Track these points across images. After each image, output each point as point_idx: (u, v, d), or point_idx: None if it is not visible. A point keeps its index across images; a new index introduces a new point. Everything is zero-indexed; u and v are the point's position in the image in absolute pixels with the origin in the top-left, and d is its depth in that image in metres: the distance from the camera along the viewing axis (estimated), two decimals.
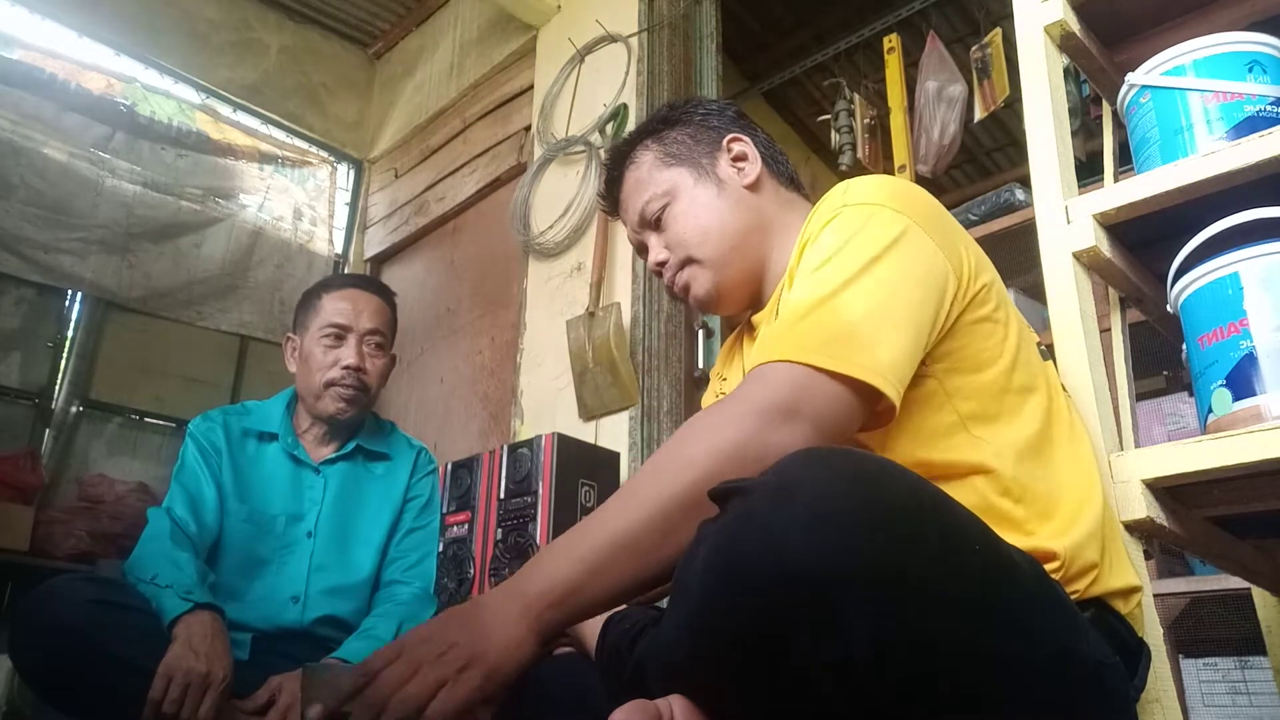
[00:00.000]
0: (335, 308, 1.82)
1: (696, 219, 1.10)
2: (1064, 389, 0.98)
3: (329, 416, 1.81)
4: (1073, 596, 0.83)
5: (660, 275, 1.14)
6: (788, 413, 0.77)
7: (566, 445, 2.13)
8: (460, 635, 0.74)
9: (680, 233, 1.10)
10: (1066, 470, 0.90)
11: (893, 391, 0.80)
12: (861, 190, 0.93)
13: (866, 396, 0.81)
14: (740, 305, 1.14)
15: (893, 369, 0.81)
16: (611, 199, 1.21)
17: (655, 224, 1.13)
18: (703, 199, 1.10)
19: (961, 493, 0.84)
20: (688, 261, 1.10)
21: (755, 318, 1.14)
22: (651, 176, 1.13)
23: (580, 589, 0.76)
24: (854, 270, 0.85)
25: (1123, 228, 1.07)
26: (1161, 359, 2.27)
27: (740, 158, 1.13)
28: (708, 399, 1.26)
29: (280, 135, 3.92)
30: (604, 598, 0.78)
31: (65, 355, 3.23)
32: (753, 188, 1.11)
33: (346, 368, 1.78)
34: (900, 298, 0.84)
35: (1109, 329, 1.17)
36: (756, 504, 0.61)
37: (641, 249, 1.18)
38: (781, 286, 1.04)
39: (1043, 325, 1.19)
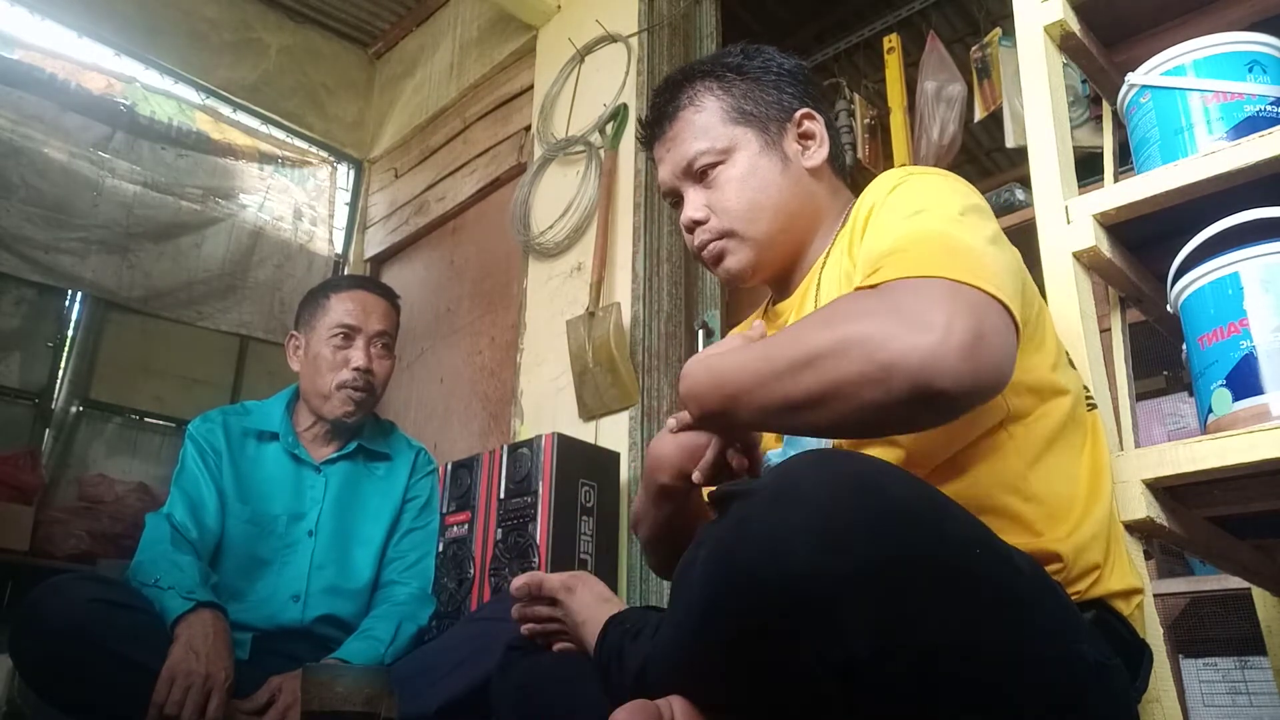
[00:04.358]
0: (344, 308, 1.82)
1: (753, 192, 1.03)
2: (1087, 390, 0.98)
3: (335, 418, 1.80)
4: (1074, 597, 0.83)
5: (690, 231, 1.07)
6: (924, 318, 0.70)
7: (566, 445, 2.13)
8: None
9: (729, 201, 1.03)
10: (1082, 472, 0.90)
11: (1021, 321, 0.76)
12: (922, 169, 0.93)
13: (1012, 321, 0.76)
14: (768, 278, 1.10)
15: (1019, 306, 0.77)
16: (654, 131, 1.11)
17: (700, 176, 1.05)
18: (763, 171, 1.03)
19: (974, 490, 0.84)
20: (729, 234, 1.04)
21: (780, 306, 1.10)
22: (712, 126, 1.05)
23: None
24: (952, 217, 0.82)
25: (1123, 228, 1.07)
26: (1161, 359, 2.27)
27: (808, 136, 1.06)
28: None
29: (280, 135, 3.93)
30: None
31: (65, 355, 3.23)
32: (814, 172, 1.06)
33: (356, 369, 1.78)
34: (1001, 242, 0.83)
35: (1109, 329, 1.17)
36: (757, 508, 0.61)
37: (672, 195, 1.10)
38: (815, 278, 1.02)
39: None
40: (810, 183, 1.06)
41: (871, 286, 0.77)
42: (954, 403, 0.70)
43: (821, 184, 1.07)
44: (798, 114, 1.07)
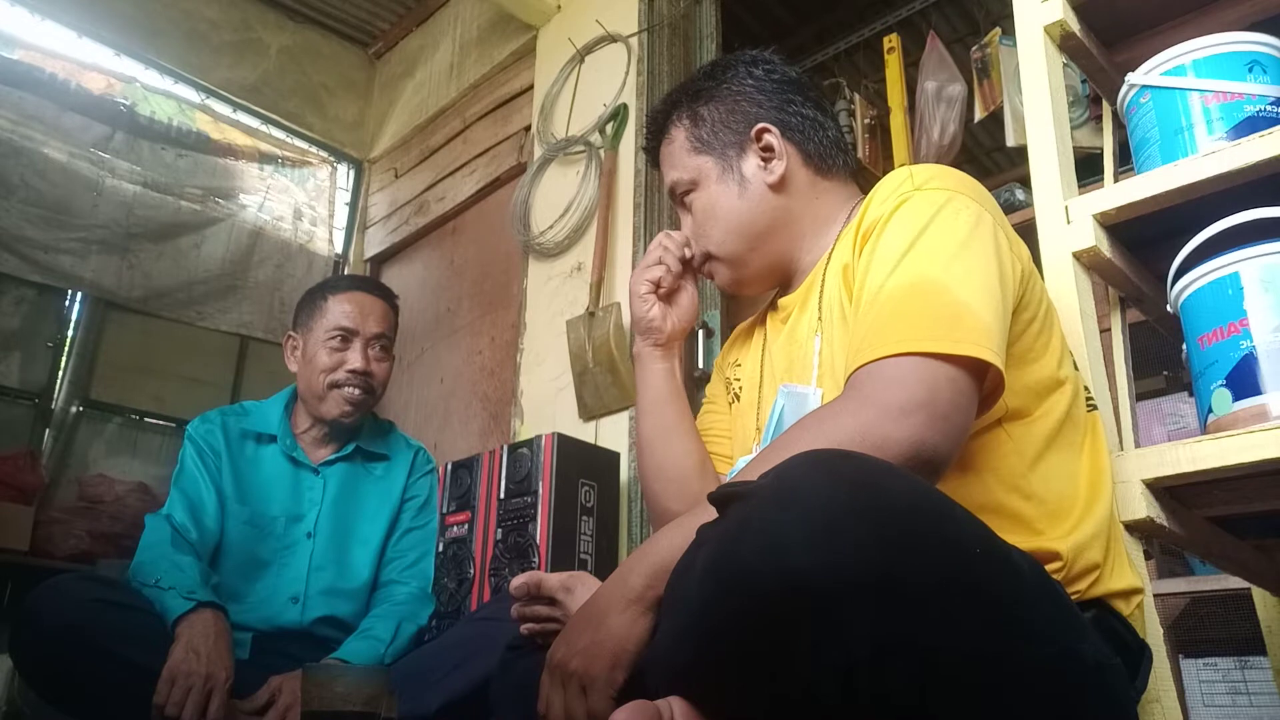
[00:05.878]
0: (341, 310, 1.81)
1: (715, 218, 1.09)
2: (1088, 390, 0.98)
3: (333, 419, 1.80)
4: (1074, 597, 0.83)
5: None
6: (906, 405, 0.76)
7: (566, 445, 2.13)
8: (582, 637, 0.81)
9: (700, 227, 1.11)
10: (1082, 471, 0.90)
11: (1002, 365, 0.80)
12: (927, 176, 0.92)
13: (979, 374, 0.81)
14: (764, 289, 1.15)
15: (999, 345, 0.81)
16: (652, 159, 1.21)
17: (682, 201, 1.13)
18: (722, 199, 1.08)
19: (973, 489, 0.85)
20: (708, 256, 1.11)
21: (783, 300, 1.12)
22: (680, 158, 1.12)
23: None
24: (946, 253, 0.85)
25: (1123, 228, 1.07)
26: (1161, 359, 2.27)
27: (768, 150, 1.08)
28: (714, 386, 1.24)
29: (280, 135, 3.92)
30: None
31: (65, 355, 3.23)
32: (777, 187, 1.07)
33: (353, 371, 1.78)
34: (992, 278, 0.84)
35: (1109, 329, 1.17)
36: (756, 508, 0.61)
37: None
38: (819, 275, 1.03)
39: None
40: (775, 199, 1.07)
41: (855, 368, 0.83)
42: (939, 467, 0.78)
43: (792, 195, 1.08)
44: (755, 129, 1.08)
